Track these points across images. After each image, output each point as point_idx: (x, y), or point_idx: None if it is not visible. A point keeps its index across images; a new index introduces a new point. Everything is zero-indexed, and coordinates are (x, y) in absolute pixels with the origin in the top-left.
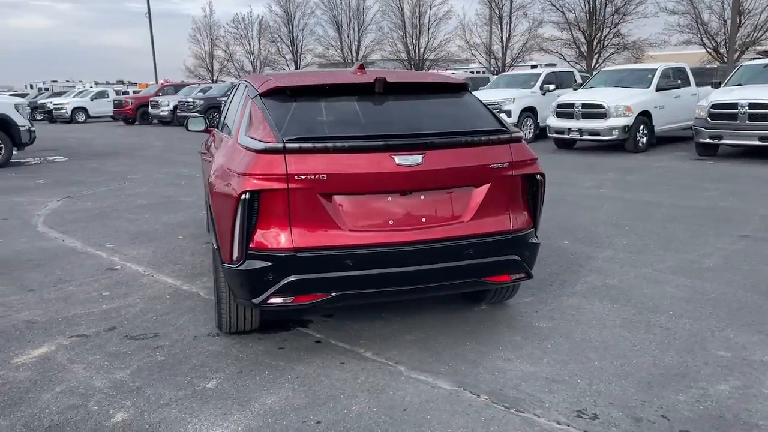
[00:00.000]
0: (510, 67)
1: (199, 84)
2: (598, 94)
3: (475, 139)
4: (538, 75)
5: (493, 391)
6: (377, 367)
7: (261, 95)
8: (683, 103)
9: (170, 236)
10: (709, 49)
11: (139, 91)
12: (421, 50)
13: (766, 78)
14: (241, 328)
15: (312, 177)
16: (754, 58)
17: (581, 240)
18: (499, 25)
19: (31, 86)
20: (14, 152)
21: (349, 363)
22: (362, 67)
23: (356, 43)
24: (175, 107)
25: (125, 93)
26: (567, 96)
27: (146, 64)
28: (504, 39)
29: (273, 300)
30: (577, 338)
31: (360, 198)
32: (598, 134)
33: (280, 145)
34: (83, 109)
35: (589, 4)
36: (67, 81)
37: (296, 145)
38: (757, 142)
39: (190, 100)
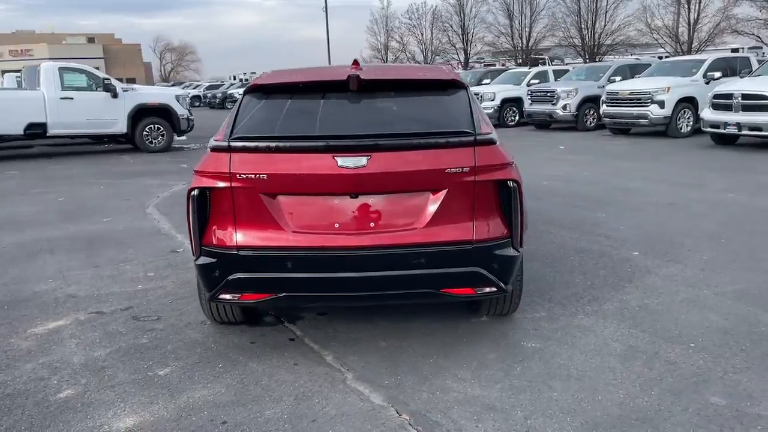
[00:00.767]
0: (697, 51)
1: None
2: (763, 83)
3: (428, 141)
4: (702, 61)
5: (418, 412)
6: (325, 372)
7: (245, 93)
8: None
9: None
10: None
11: None
12: (597, 35)
13: None
14: (221, 318)
15: (253, 176)
16: None
17: (656, 252)
18: (686, 5)
19: (234, 77)
20: (175, 138)
21: (303, 365)
22: (356, 62)
23: (527, 30)
24: None
25: None
26: (726, 86)
27: (335, 55)
28: (691, 20)
29: (222, 296)
30: (556, 364)
31: (304, 199)
32: (760, 129)
33: (226, 144)
34: None
35: None
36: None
37: (240, 144)
38: None
39: None
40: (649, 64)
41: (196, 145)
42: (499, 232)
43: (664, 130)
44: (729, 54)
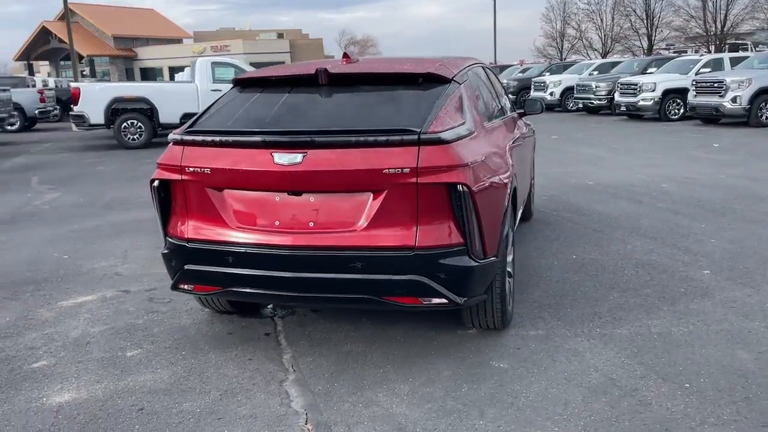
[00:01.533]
0: None
1: (520, 64)
2: None
3: (367, 139)
4: None
5: (324, 423)
6: (270, 371)
7: (231, 87)
8: None
9: None
10: None
11: None
12: None
13: None
14: (208, 305)
15: (200, 170)
16: None
17: (732, 272)
18: None
19: None
20: None
21: (256, 361)
22: (347, 56)
23: (722, 13)
24: None
25: None
26: None
27: (520, 44)
28: None
29: (182, 285)
30: (509, 389)
31: (246, 195)
32: None
33: (180, 137)
34: None
35: None
36: None
37: (190, 138)
38: None
39: (505, 81)
40: None
41: None
42: (447, 239)
43: None
44: None
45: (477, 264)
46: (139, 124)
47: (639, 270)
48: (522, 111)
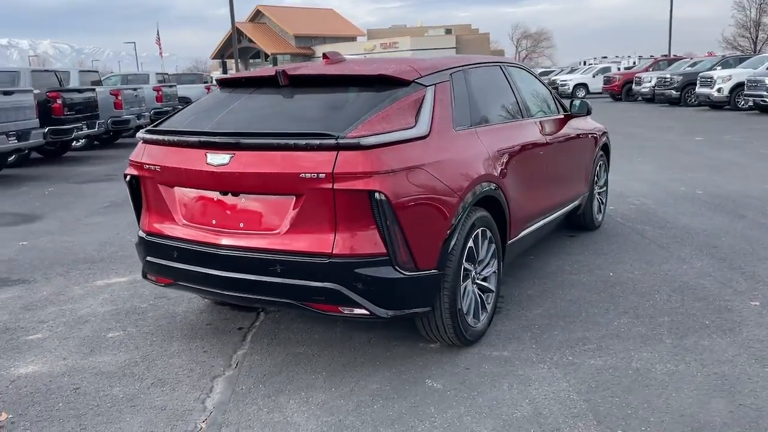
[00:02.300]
0: None
1: (691, 58)
2: None
3: (287, 142)
4: None
5: (217, 424)
6: (212, 365)
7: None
8: None
9: None
10: None
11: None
12: None
13: None
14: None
15: (153, 167)
16: None
17: None
18: None
19: (584, 62)
20: None
21: (208, 354)
22: (326, 57)
23: None
24: (656, 83)
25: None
26: None
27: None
28: None
29: (147, 275)
30: (422, 413)
31: (190, 193)
32: None
33: (142, 135)
34: (584, 86)
35: None
36: (616, 57)
37: (149, 136)
38: None
39: (668, 75)
40: None
41: None
42: (366, 248)
43: None
44: None
45: (403, 276)
46: None
47: (674, 295)
48: (569, 113)
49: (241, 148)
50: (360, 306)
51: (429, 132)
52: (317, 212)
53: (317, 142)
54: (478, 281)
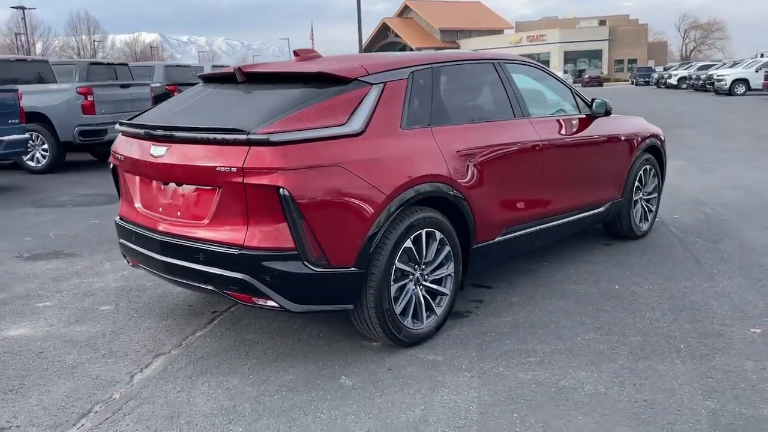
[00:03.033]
0: None
1: None
2: None
3: (208, 137)
4: None
5: (129, 397)
6: (164, 344)
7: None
8: None
9: None
10: None
11: None
12: None
13: None
14: None
15: (120, 156)
16: None
17: None
18: None
19: (761, 55)
20: None
21: (170, 332)
22: (296, 54)
23: None
24: None
25: None
26: None
27: None
28: None
29: (125, 256)
30: (311, 408)
31: (144, 182)
32: None
33: (118, 127)
34: (744, 81)
35: None
36: None
37: (120, 128)
38: None
39: None
40: None
41: None
42: (275, 242)
43: None
44: None
45: (313, 272)
46: None
47: (668, 314)
48: (589, 113)
49: (174, 141)
50: (268, 298)
51: (363, 130)
52: (233, 205)
53: (231, 137)
54: (425, 283)
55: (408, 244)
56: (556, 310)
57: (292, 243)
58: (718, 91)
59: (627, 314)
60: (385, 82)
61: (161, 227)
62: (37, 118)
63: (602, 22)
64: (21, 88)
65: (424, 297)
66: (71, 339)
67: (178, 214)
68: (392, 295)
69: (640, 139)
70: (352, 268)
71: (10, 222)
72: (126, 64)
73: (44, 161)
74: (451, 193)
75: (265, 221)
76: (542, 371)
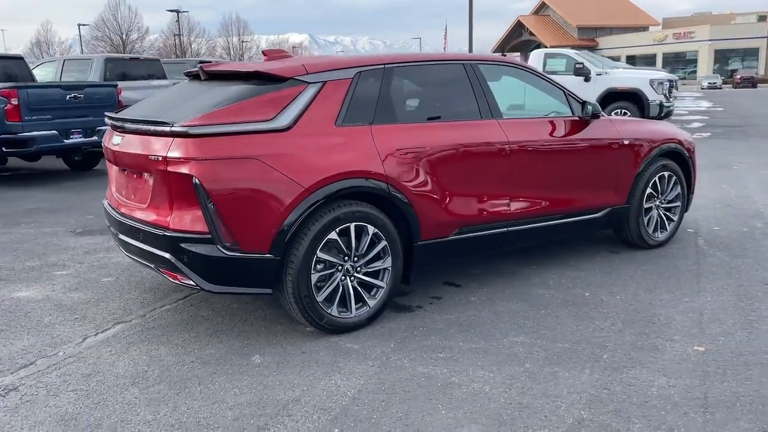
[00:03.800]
0: None
1: None
2: None
3: (143, 128)
4: None
5: (71, 356)
6: (129, 315)
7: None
8: None
9: None
10: None
11: None
12: None
13: None
14: None
15: (105, 146)
16: None
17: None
18: None
19: None
20: None
21: (139, 305)
22: (264, 53)
23: None
24: None
25: None
26: None
27: None
28: None
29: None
30: (203, 381)
31: (112, 168)
32: None
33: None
34: None
35: None
36: None
37: (107, 120)
38: None
39: None
40: None
41: None
42: (192, 226)
43: None
44: None
45: (225, 256)
46: None
47: (619, 324)
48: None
49: (125, 131)
50: (186, 277)
51: (291, 126)
52: (162, 191)
53: (159, 129)
54: (357, 275)
55: (333, 236)
56: (505, 312)
57: (206, 227)
58: None
59: (575, 321)
60: (325, 81)
61: (123, 210)
62: None
63: (762, 18)
64: None
65: (355, 288)
66: (60, 303)
67: (132, 197)
68: (313, 282)
69: (651, 143)
70: (267, 255)
71: (86, 203)
72: (157, 60)
73: None
74: (386, 189)
75: (185, 207)
76: (443, 367)
